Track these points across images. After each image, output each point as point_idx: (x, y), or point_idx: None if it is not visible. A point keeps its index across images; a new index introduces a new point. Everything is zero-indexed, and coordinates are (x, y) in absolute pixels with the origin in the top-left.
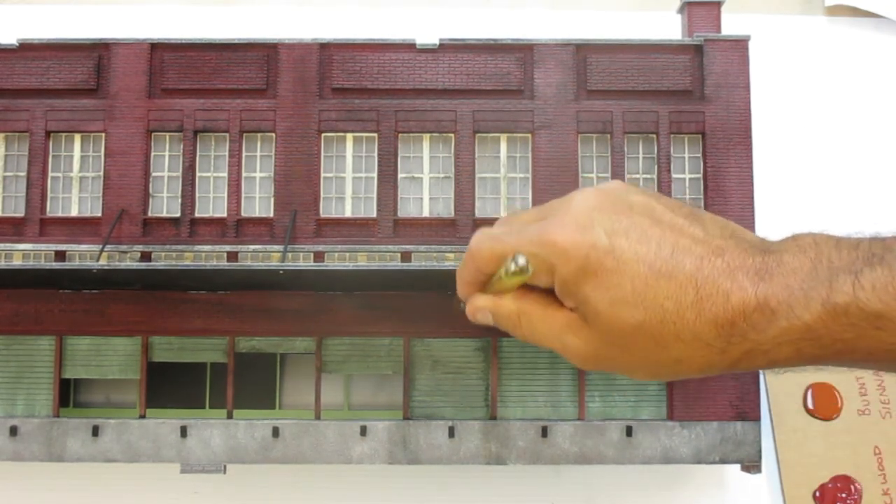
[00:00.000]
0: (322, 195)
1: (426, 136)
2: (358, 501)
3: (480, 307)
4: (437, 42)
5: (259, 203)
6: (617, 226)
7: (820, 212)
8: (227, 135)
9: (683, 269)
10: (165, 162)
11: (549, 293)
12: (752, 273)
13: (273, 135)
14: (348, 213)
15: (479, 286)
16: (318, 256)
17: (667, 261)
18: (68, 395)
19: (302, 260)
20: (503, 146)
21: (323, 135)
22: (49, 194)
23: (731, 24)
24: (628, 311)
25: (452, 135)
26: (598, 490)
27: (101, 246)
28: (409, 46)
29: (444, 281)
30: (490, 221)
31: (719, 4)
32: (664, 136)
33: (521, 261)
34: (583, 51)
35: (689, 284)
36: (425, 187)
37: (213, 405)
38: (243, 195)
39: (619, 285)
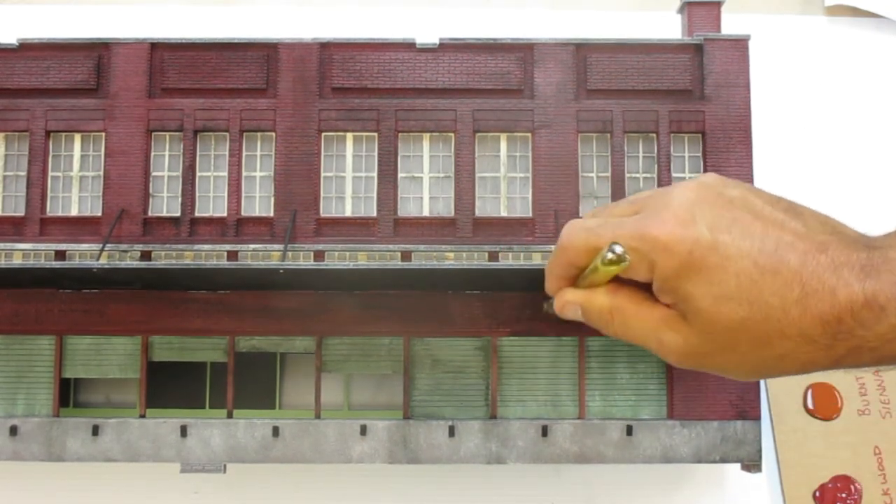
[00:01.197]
0: (322, 194)
1: (426, 136)
2: (358, 501)
3: (570, 301)
4: (437, 42)
5: (259, 202)
6: (719, 221)
7: (820, 211)
8: (227, 134)
9: (788, 264)
10: (165, 161)
11: (642, 288)
12: (858, 269)
13: (273, 134)
14: (348, 213)
15: (569, 280)
16: (318, 256)
17: (771, 256)
18: (68, 394)
19: (302, 259)
20: (503, 145)
21: (323, 134)
22: (49, 194)
23: (731, 23)
24: (732, 308)
25: (452, 134)
26: (598, 489)
27: (101, 245)
28: (409, 46)
29: (444, 280)
30: (490, 221)
31: (719, 4)
32: (664, 136)
33: (619, 249)
34: (583, 50)
35: (795, 280)
36: (425, 187)
37: (213, 405)
38: (243, 194)
39: (722, 281)
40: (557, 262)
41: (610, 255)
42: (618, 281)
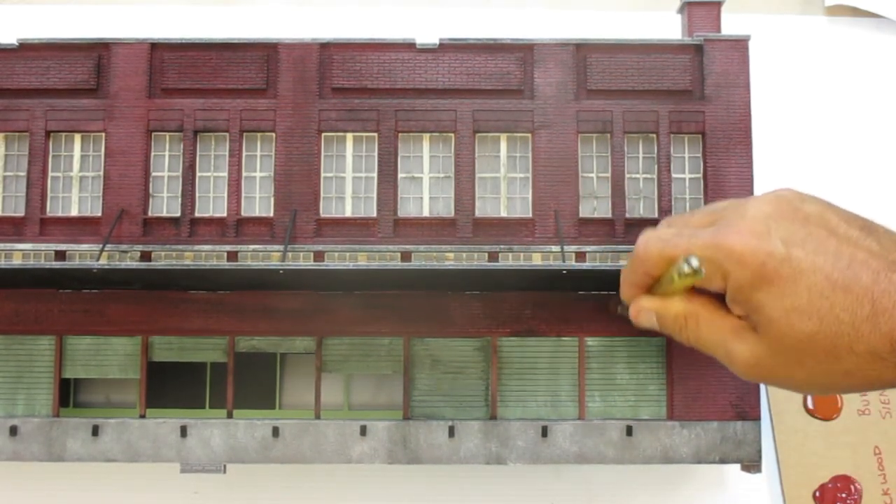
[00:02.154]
0: (322, 195)
1: (426, 136)
2: (358, 501)
3: (646, 308)
4: (437, 42)
5: (259, 203)
6: (794, 235)
7: None
8: (227, 134)
9: (860, 282)
10: (165, 162)
11: (717, 298)
12: None
13: (273, 134)
14: (348, 213)
15: (644, 288)
16: (318, 256)
17: (843, 273)
18: (68, 394)
19: (302, 260)
20: (503, 146)
21: (323, 134)
22: (49, 194)
23: (731, 24)
24: (803, 321)
25: (452, 134)
26: (598, 490)
27: (101, 246)
28: (409, 46)
29: (443, 281)
30: (490, 221)
31: (719, 4)
32: (664, 136)
33: (695, 262)
34: (583, 50)
35: (866, 298)
36: (425, 187)
37: (213, 405)
38: (243, 195)
39: (795, 294)
40: (633, 272)
41: (686, 268)
42: (693, 289)
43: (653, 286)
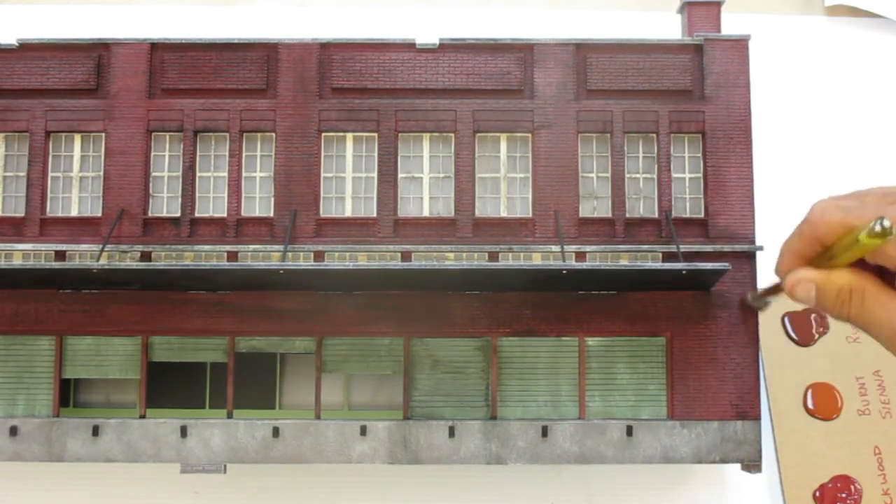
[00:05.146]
0: (322, 195)
1: (426, 136)
2: (358, 501)
3: (806, 279)
4: (437, 42)
5: (259, 203)
6: None
7: None
8: (227, 135)
9: None
10: (165, 162)
11: (883, 276)
12: None
13: (273, 135)
14: (348, 213)
15: (805, 260)
16: (318, 256)
17: None
18: (68, 395)
19: (302, 260)
20: (503, 146)
21: (323, 134)
22: (49, 194)
23: (731, 23)
24: None
25: (452, 134)
26: (598, 490)
27: (101, 246)
28: (409, 46)
29: (444, 281)
30: (490, 221)
31: (719, 4)
32: (664, 136)
33: (887, 223)
34: (583, 50)
35: None
36: (425, 187)
37: (213, 405)
38: (243, 195)
39: None
40: (801, 238)
41: (878, 228)
42: (858, 265)
43: (813, 259)
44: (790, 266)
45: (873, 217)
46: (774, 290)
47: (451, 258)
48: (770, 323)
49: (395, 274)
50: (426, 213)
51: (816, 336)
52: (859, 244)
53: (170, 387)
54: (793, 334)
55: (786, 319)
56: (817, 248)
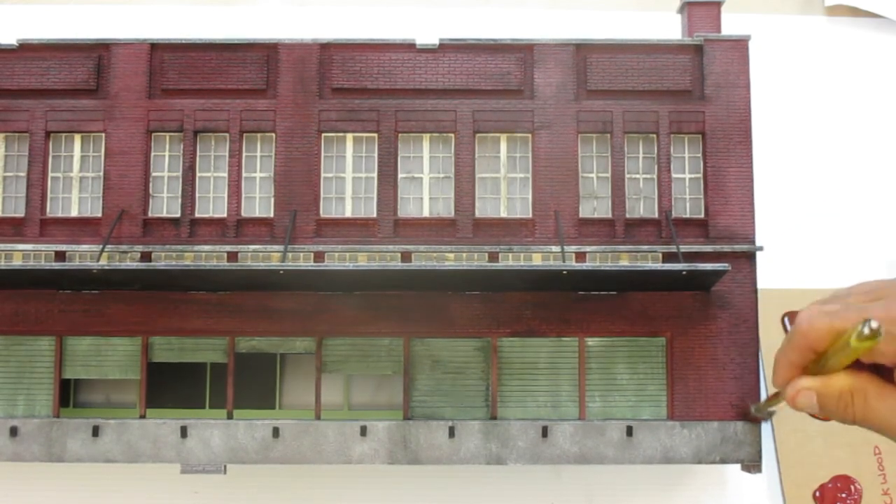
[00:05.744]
0: (322, 195)
1: (426, 136)
2: (358, 501)
3: (806, 387)
4: (437, 42)
5: (259, 203)
6: None
7: (820, 211)
8: (227, 135)
9: None
10: (165, 162)
11: (880, 374)
12: None
13: (273, 135)
14: (348, 213)
15: (801, 369)
16: (318, 256)
17: None
18: (68, 395)
19: (302, 260)
20: (503, 146)
21: (323, 135)
22: (49, 194)
23: (731, 24)
24: None
25: (452, 135)
26: (598, 490)
27: (101, 246)
28: (409, 46)
29: (444, 281)
30: (490, 222)
31: (719, 4)
32: (664, 136)
33: (875, 324)
34: (583, 51)
35: None
36: (425, 187)
37: (213, 405)
38: (243, 195)
39: None
40: (794, 348)
41: (867, 330)
42: (855, 366)
43: (809, 367)
44: (787, 376)
45: (858, 319)
46: (775, 398)
47: (451, 258)
48: (770, 323)
49: (395, 274)
50: (426, 213)
51: None
52: (851, 348)
53: (170, 387)
54: None
55: (786, 319)
56: (811, 356)
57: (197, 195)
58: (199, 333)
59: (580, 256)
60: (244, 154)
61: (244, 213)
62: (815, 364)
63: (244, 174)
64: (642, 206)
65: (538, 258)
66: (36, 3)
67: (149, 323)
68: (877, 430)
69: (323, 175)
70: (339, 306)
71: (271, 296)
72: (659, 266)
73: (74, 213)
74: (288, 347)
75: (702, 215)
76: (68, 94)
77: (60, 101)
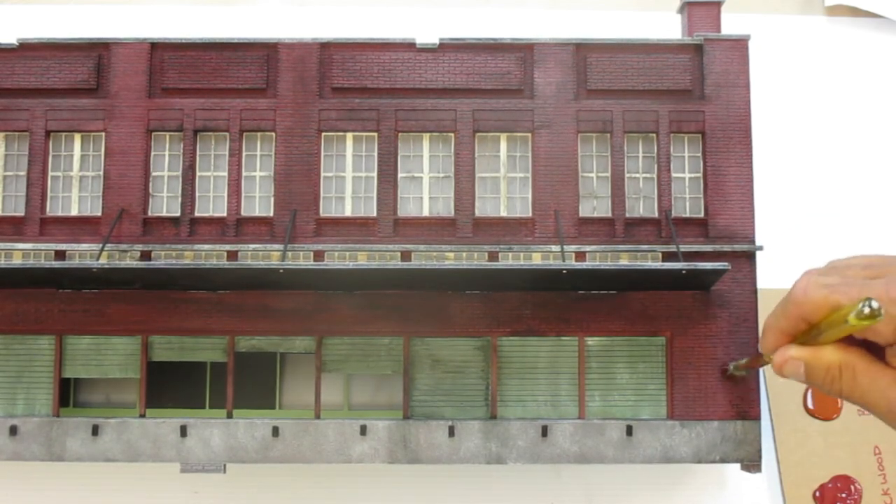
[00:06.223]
0: (322, 194)
1: (426, 136)
2: (358, 501)
3: (795, 357)
4: (437, 42)
5: (259, 202)
6: None
7: (820, 211)
8: (227, 134)
9: None
10: (165, 161)
11: (871, 350)
12: None
13: (273, 134)
14: (348, 213)
15: (791, 337)
16: (318, 256)
17: None
18: (68, 394)
19: (302, 259)
20: (503, 145)
21: (323, 134)
22: (49, 194)
23: (731, 23)
24: None
25: (452, 134)
26: (597, 489)
27: (101, 245)
28: (409, 46)
29: (444, 280)
30: (490, 221)
31: (719, 4)
32: (664, 136)
33: (875, 304)
34: (583, 50)
35: None
36: (425, 187)
37: (213, 405)
38: (243, 194)
39: None
40: (786, 316)
41: (867, 310)
42: (846, 340)
43: (799, 336)
44: (776, 343)
45: (858, 296)
46: (757, 361)
47: (451, 258)
48: None
49: (394, 273)
50: (426, 212)
51: None
52: (848, 325)
53: (170, 386)
54: None
55: None
56: (802, 326)
57: (197, 194)
58: (198, 333)
59: (580, 256)
60: (244, 153)
61: (244, 213)
62: (806, 334)
63: (244, 173)
64: (642, 206)
65: (538, 258)
66: (36, 3)
67: (149, 322)
68: (861, 405)
69: (323, 174)
70: (338, 306)
71: (271, 295)
72: (659, 265)
73: (74, 213)
74: (288, 347)
75: (702, 215)
76: (68, 93)
77: (60, 100)
